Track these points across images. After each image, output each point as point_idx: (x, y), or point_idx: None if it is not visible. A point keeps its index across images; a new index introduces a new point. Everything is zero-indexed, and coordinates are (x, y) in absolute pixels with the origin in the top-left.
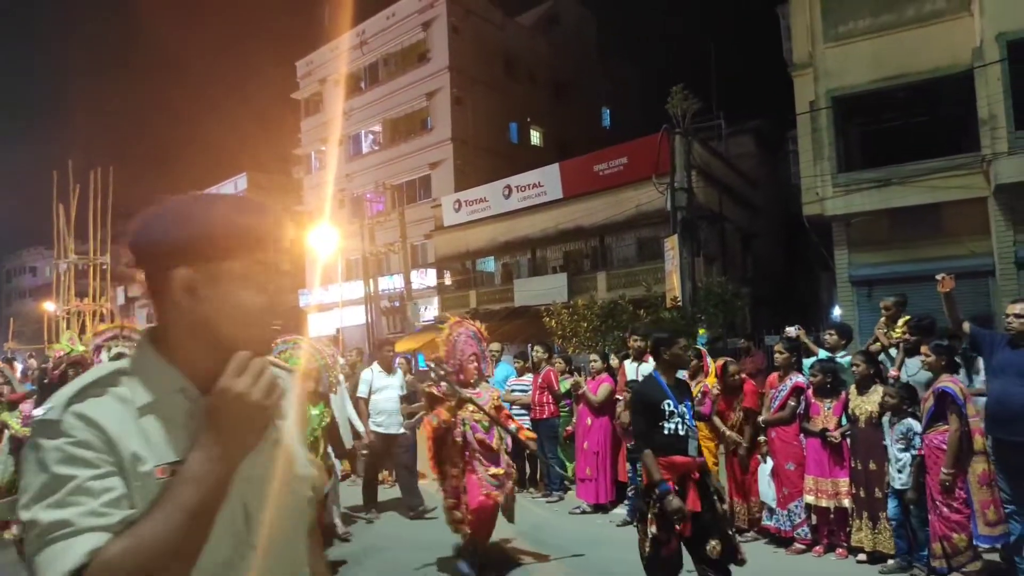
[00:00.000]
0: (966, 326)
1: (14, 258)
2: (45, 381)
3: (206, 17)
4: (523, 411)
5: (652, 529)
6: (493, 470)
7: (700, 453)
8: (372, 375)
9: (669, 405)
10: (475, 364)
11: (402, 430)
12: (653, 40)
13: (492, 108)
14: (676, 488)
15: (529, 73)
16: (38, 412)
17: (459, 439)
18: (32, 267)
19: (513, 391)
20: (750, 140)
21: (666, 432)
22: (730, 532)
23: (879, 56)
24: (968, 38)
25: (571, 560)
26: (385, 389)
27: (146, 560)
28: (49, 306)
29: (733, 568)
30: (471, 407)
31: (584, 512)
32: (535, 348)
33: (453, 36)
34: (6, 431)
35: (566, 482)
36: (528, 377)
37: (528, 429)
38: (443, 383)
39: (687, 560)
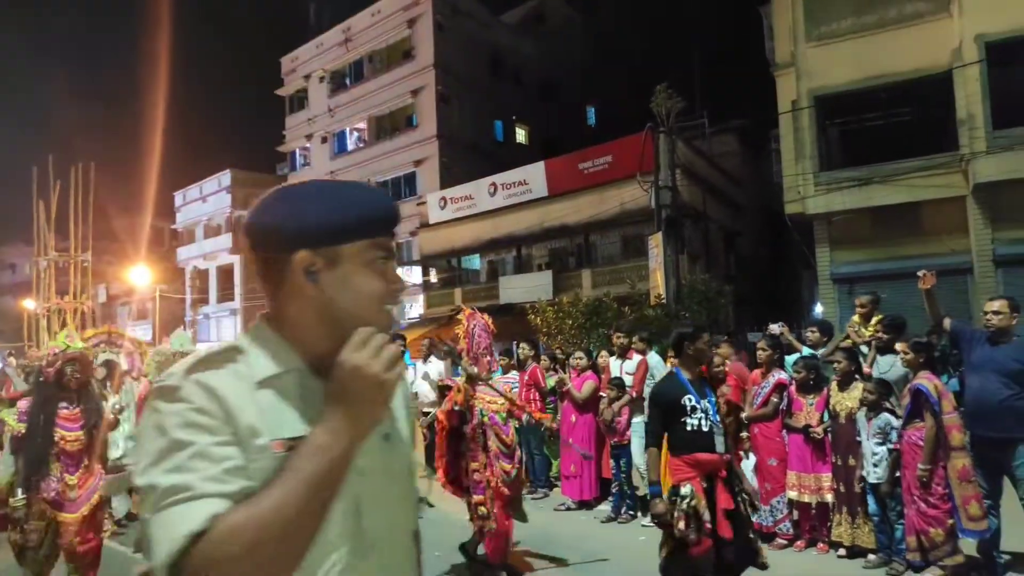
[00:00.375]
0: (947, 322)
1: None
2: (40, 379)
3: (189, 12)
4: None
5: (680, 527)
6: (506, 465)
7: (728, 450)
8: (415, 372)
9: (691, 400)
10: (488, 358)
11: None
12: (638, 39)
13: (477, 106)
14: (704, 486)
15: (514, 71)
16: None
17: (477, 430)
18: (11, 264)
19: None
20: (733, 139)
21: (689, 428)
22: (751, 535)
23: (861, 56)
24: (948, 39)
25: (557, 556)
26: None
27: (266, 531)
28: (29, 304)
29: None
30: (487, 397)
31: (568, 509)
32: (521, 346)
33: (438, 34)
34: (5, 429)
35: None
36: (514, 374)
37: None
38: (450, 358)
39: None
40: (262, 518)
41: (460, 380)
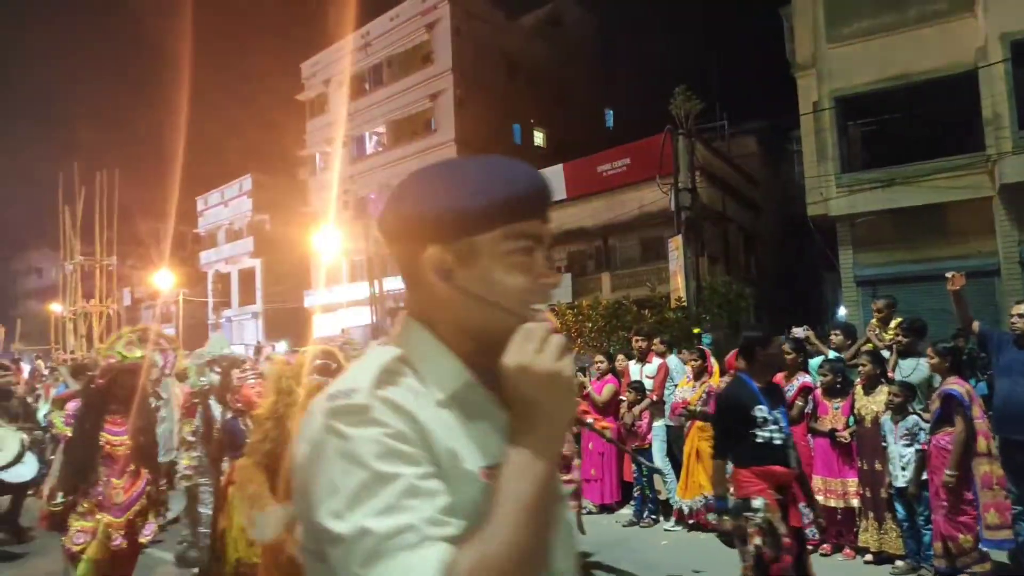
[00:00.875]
0: (976, 325)
1: (20, 259)
2: (91, 387)
3: (211, 20)
4: None
5: (756, 542)
6: (564, 477)
7: (799, 464)
8: None
9: (762, 411)
10: None
11: None
12: (655, 41)
13: (495, 110)
14: (778, 499)
15: (532, 75)
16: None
17: None
18: (38, 268)
19: None
20: (753, 141)
21: (760, 441)
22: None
23: (882, 56)
24: (972, 38)
25: (582, 561)
26: None
27: (501, 573)
28: (56, 307)
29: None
30: None
31: (590, 512)
32: None
33: (456, 38)
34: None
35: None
36: None
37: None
38: None
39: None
40: (492, 559)
41: None
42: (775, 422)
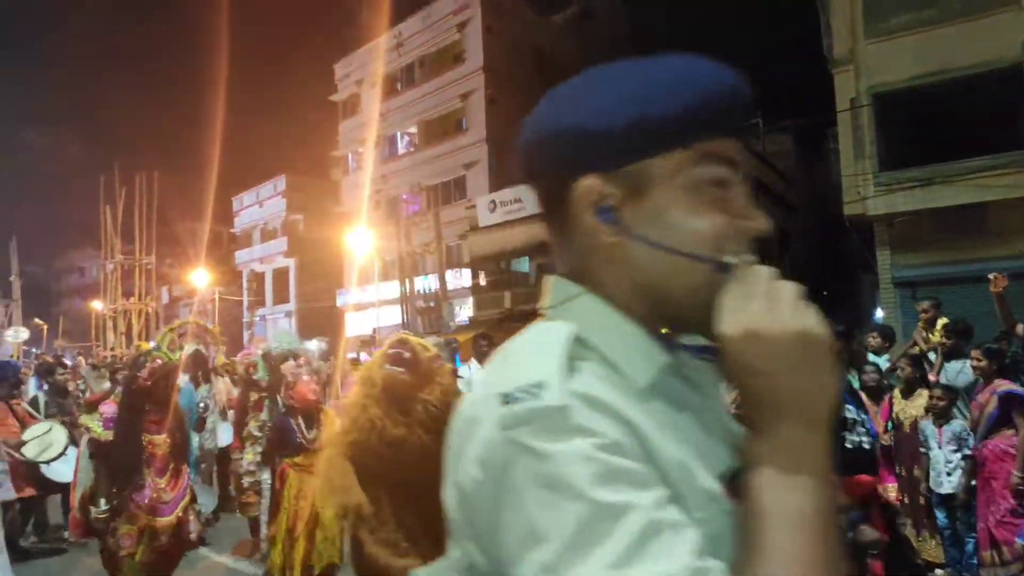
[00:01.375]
0: (1020, 328)
1: (63, 258)
2: (133, 387)
3: (247, 24)
4: None
5: None
6: None
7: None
8: (470, 372)
9: (851, 412)
10: None
11: None
12: (689, 36)
13: (526, 108)
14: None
15: (563, 72)
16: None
17: None
18: (80, 267)
19: None
20: (788, 139)
21: (850, 446)
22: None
23: (922, 51)
24: (1016, 32)
25: None
26: None
27: None
28: (97, 305)
29: None
30: None
31: None
32: None
33: (487, 36)
34: (86, 434)
35: None
36: None
37: None
38: None
39: None
40: None
41: None
42: (862, 423)
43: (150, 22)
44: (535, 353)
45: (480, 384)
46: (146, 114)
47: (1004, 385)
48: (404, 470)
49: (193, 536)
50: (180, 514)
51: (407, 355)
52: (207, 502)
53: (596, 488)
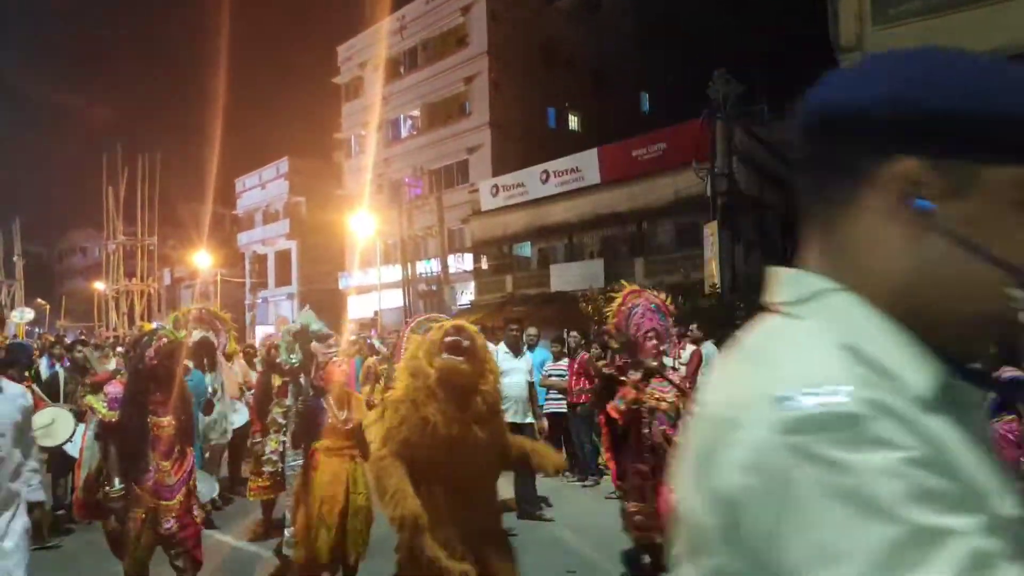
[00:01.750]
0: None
1: (65, 239)
2: (140, 367)
3: (250, 5)
4: (560, 396)
5: None
6: None
7: None
8: (498, 356)
9: None
10: (654, 342)
11: (530, 419)
12: (694, 23)
13: (530, 93)
14: None
15: (567, 58)
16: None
17: (645, 431)
18: (83, 247)
19: (550, 376)
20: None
21: None
22: None
23: (931, 38)
24: None
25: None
26: (512, 373)
27: None
28: (99, 285)
29: None
30: (657, 393)
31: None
32: (571, 334)
33: (492, 21)
34: (93, 416)
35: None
36: (564, 362)
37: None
38: (620, 355)
39: None
40: None
41: (634, 375)
42: None
43: (154, 2)
44: (805, 354)
45: (726, 383)
46: (149, 95)
47: (1009, 371)
48: (461, 468)
49: (198, 520)
50: (182, 499)
51: (466, 343)
52: (206, 489)
53: (909, 507)
